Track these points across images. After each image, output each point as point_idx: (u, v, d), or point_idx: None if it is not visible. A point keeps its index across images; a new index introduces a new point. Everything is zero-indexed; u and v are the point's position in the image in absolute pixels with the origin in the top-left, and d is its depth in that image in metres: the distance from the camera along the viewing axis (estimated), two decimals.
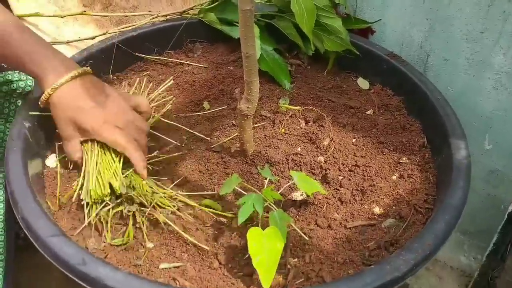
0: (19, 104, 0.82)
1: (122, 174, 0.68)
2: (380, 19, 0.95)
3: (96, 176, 0.67)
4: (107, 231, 0.64)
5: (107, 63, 0.92)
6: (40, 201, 0.62)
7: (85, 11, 0.99)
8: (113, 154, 0.70)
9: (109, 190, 0.66)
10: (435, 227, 0.59)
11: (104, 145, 0.71)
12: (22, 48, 0.69)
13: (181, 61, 0.98)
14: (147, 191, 0.67)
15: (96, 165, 0.68)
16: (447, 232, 0.59)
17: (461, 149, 0.70)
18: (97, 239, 0.64)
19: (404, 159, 0.78)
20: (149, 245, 0.64)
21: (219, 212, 0.69)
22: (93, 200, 0.65)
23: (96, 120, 0.69)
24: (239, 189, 0.71)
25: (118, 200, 0.67)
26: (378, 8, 0.94)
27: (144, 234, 0.65)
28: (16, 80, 0.79)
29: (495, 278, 0.98)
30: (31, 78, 0.79)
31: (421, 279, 1.10)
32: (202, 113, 0.88)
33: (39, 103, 0.71)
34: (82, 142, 0.71)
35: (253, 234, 0.59)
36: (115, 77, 0.94)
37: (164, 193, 0.70)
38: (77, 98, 0.69)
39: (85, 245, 0.63)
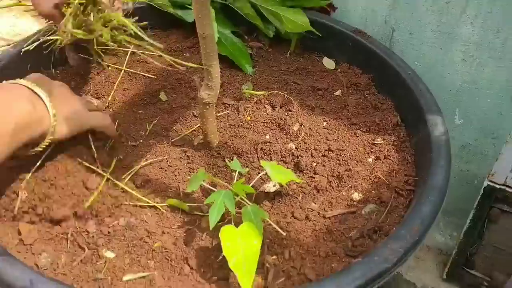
0: None
1: None
2: None
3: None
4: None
5: (48, 56, 0.83)
6: None
7: (20, 1, 0.89)
8: None
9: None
10: (421, 210, 0.55)
11: None
12: None
13: (131, 49, 0.89)
14: None
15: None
16: (433, 215, 0.55)
17: (438, 125, 0.67)
18: (50, 253, 0.56)
19: (378, 139, 0.73)
20: (109, 254, 0.57)
21: (187, 212, 0.62)
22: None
23: None
24: (206, 185, 0.65)
25: None
26: None
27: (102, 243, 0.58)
28: None
29: (473, 254, 0.96)
30: None
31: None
32: (159, 104, 0.81)
33: None
34: None
35: (227, 233, 0.53)
36: (57, 71, 0.85)
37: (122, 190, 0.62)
38: None
39: (35, 262, 0.55)
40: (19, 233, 0.57)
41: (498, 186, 0.86)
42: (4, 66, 0.78)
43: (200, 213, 0.63)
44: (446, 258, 1.03)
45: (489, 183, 0.86)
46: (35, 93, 0.60)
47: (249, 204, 0.57)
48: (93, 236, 0.59)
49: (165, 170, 0.69)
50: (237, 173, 0.64)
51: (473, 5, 0.77)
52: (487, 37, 0.79)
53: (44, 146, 0.62)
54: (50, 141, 0.62)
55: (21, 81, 0.61)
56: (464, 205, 0.95)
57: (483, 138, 0.91)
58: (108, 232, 0.59)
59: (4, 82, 0.62)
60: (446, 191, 0.58)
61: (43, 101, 0.60)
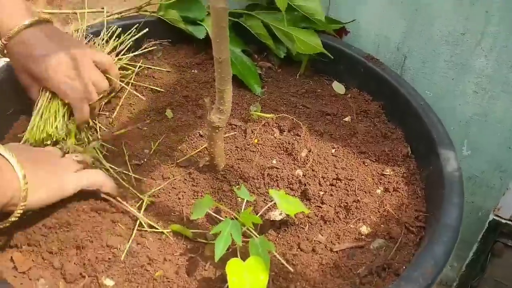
0: None
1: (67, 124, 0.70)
2: (355, 19, 0.89)
3: (38, 121, 0.69)
4: None
5: None
6: None
7: None
8: (60, 102, 0.71)
9: (45, 134, 0.68)
10: (434, 251, 0.53)
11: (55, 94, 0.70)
12: None
13: (139, 64, 0.87)
14: None
15: (40, 111, 0.69)
16: (447, 256, 0.53)
17: (451, 160, 0.65)
18: (48, 280, 0.54)
19: (388, 170, 0.72)
20: (109, 282, 0.55)
21: (190, 238, 0.60)
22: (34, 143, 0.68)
23: (45, 69, 0.67)
24: (211, 212, 0.63)
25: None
26: (352, 7, 0.89)
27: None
28: None
29: (474, 287, 0.95)
30: None
31: None
32: (165, 122, 0.79)
33: None
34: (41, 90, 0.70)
35: (233, 267, 0.51)
36: None
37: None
38: (30, 47, 0.67)
39: None
40: (12, 261, 0.55)
41: (503, 221, 0.85)
42: None
43: (203, 241, 0.61)
44: None
45: (495, 217, 0.85)
46: (2, 156, 0.53)
47: (256, 236, 0.55)
48: (91, 264, 0.56)
49: (169, 192, 0.67)
50: (244, 201, 0.62)
51: (489, 39, 0.76)
52: (501, 71, 0.78)
53: (17, 215, 0.54)
54: (23, 209, 0.53)
55: None
56: (467, 237, 0.93)
57: (490, 171, 0.90)
58: (109, 258, 0.57)
59: None
60: (459, 230, 0.56)
61: (10, 163, 0.53)
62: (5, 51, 0.69)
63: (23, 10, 0.68)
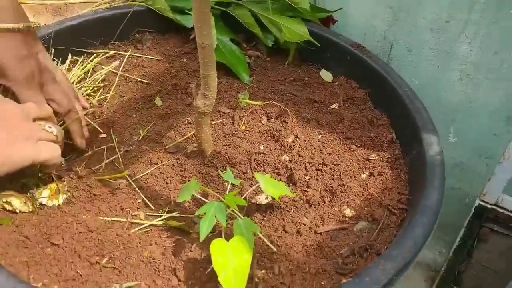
0: None
1: None
2: (342, 8, 0.90)
3: None
4: None
5: None
6: None
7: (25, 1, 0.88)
8: None
9: None
10: (414, 231, 0.54)
11: None
12: None
13: (129, 53, 0.88)
14: None
15: None
16: (426, 236, 0.55)
17: (434, 145, 0.66)
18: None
19: (373, 155, 0.73)
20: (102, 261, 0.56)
21: (177, 226, 0.62)
22: None
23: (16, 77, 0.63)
24: (198, 195, 0.64)
25: None
26: None
27: None
28: None
29: (461, 272, 0.97)
30: None
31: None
32: (154, 110, 0.80)
33: None
34: None
35: (217, 247, 0.52)
36: None
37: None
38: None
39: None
40: None
41: (489, 206, 0.86)
42: None
43: (189, 229, 0.62)
44: (435, 275, 1.03)
45: (481, 202, 0.86)
46: None
47: (241, 217, 0.56)
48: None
49: (157, 177, 0.69)
50: (229, 184, 0.64)
51: (472, 26, 0.78)
52: (484, 57, 0.79)
53: None
54: None
55: None
56: (454, 223, 0.95)
57: (476, 157, 0.91)
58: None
59: None
60: (438, 212, 0.58)
61: None
62: None
63: (11, 11, 0.62)
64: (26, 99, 0.63)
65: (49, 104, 0.67)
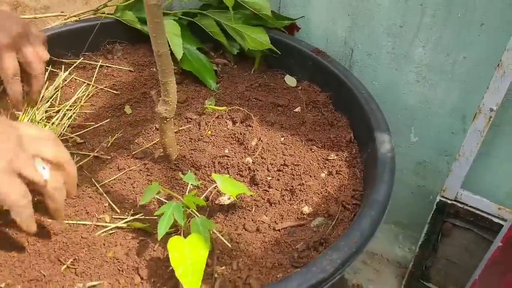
0: None
1: None
2: (303, 16, 0.94)
3: None
4: None
5: None
6: None
7: (36, 17, 0.90)
8: None
9: None
10: (361, 223, 0.58)
11: None
12: None
13: (99, 63, 0.91)
14: None
15: None
16: (373, 228, 0.58)
17: (385, 143, 0.70)
18: None
19: (332, 155, 0.77)
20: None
21: (141, 227, 0.64)
22: None
23: None
24: (162, 198, 0.67)
25: None
26: (301, 5, 0.93)
27: None
28: None
29: (429, 267, 1.00)
30: None
31: (359, 273, 1.10)
32: (123, 117, 0.83)
33: None
34: None
35: (174, 244, 0.55)
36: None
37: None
38: None
39: None
40: None
41: (449, 202, 0.90)
42: None
43: (151, 229, 0.65)
44: (405, 271, 1.06)
45: (442, 198, 0.90)
46: None
47: (197, 216, 0.59)
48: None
49: (124, 182, 0.71)
50: (189, 185, 0.67)
51: (424, 30, 0.82)
52: (437, 59, 0.83)
53: None
54: None
55: None
56: (421, 220, 0.98)
57: (437, 155, 0.95)
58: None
59: None
60: (387, 205, 0.61)
61: None
62: None
63: None
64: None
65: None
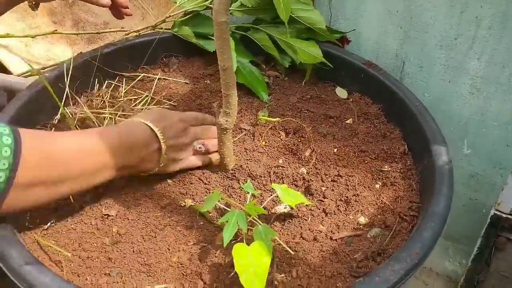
0: None
1: None
2: (354, 29, 0.96)
3: None
4: None
5: (80, 81, 0.89)
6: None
7: (56, 30, 0.96)
8: None
9: None
10: (422, 235, 0.58)
11: None
12: None
13: (158, 76, 0.96)
14: None
15: None
16: (434, 240, 0.58)
17: (443, 155, 0.70)
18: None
19: (386, 167, 0.77)
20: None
21: (205, 217, 0.67)
22: None
23: None
24: (221, 205, 0.69)
25: None
26: (353, 18, 0.95)
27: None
28: None
29: (480, 282, 0.98)
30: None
31: (408, 286, 1.09)
32: None
33: None
34: None
35: (239, 251, 0.57)
36: (88, 95, 0.92)
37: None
38: None
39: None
40: None
41: (504, 216, 0.88)
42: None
43: (216, 223, 0.67)
44: (455, 285, 1.05)
45: (496, 212, 0.89)
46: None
47: (260, 224, 0.61)
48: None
49: (183, 194, 0.74)
50: (250, 194, 0.69)
51: (480, 42, 0.81)
52: (493, 72, 0.83)
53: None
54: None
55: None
56: (473, 233, 0.97)
57: (490, 168, 0.94)
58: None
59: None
60: (447, 217, 0.61)
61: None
62: None
63: None
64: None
65: None
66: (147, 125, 0.69)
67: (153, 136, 0.69)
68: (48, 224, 0.65)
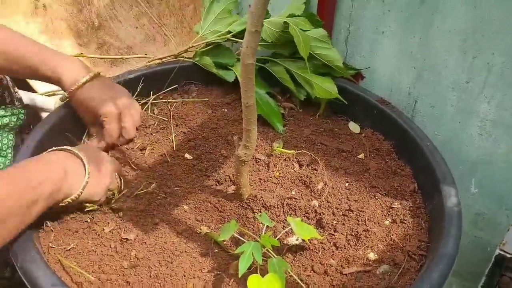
0: (11, 138, 0.85)
1: None
2: (369, 67, 0.99)
3: None
4: None
5: None
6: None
7: (82, 53, 1.00)
8: None
9: None
10: (431, 276, 0.60)
11: None
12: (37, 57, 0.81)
13: (176, 100, 0.99)
14: None
15: None
16: (442, 281, 0.60)
17: (452, 196, 0.72)
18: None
19: (396, 204, 0.80)
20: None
21: (220, 246, 0.69)
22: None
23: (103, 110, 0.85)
24: (236, 235, 0.72)
25: None
26: (368, 55, 0.98)
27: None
28: (8, 115, 0.83)
29: None
30: (22, 111, 0.90)
31: None
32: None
33: (60, 99, 0.87)
34: None
35: (254, 282, 0.60)
36: None
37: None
38: (92, 94, 0.84)
39: None
40: None
41: (509, 256, 0.90)
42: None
43: (232, 252, 0.70)
44: None
45: (501, 252, 0.90)
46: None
47: (274, 257, 0.64)
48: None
49: (199, 220, 0.77)
50: (265, 226, 0.71)
51: (490, 87, 0.84)
52: (502, 116, 0.86)
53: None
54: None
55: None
56: (477, 270, 0.99)
57: (497, 208, 0.96)
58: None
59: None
60: (455, 259, 0.63)
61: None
62: (67, 99, 0.86)
63: (80, 67, 0.85)
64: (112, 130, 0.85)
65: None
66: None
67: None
68: (71, 246, 0.68)
